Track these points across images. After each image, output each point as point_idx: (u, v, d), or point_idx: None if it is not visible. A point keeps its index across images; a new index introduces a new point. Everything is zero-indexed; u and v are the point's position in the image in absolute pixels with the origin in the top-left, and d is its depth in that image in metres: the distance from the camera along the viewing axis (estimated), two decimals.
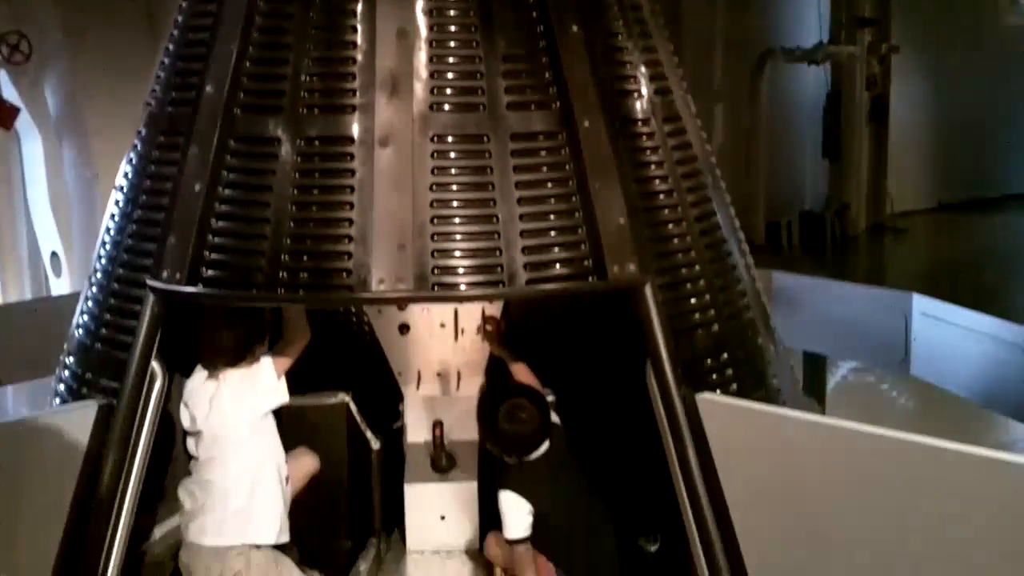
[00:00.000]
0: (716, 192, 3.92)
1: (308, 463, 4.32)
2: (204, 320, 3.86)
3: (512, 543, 4.00)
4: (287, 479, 3.99)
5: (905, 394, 8.85)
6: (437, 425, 4.69)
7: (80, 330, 3.85)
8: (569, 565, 4.05)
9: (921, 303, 6.00)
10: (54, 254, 8.25)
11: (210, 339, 3.86)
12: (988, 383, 5.65)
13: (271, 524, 3.88)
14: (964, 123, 13.67)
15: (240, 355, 3.85)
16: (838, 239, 11.59)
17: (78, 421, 3.36)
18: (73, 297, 4.32)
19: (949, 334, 5.81)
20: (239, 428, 3.84)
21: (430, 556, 4.60)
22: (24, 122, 8.14)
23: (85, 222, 8.13)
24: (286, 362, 3.90)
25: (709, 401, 3.30)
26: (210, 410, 3.84)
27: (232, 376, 3.85)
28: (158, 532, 4.53)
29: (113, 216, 3.85)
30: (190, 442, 3.95)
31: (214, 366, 3.87)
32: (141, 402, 3.46)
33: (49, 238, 8.21)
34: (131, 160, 3.84)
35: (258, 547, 3.85)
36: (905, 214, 12.45)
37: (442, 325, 4.65)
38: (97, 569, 3.38)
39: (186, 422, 3.91)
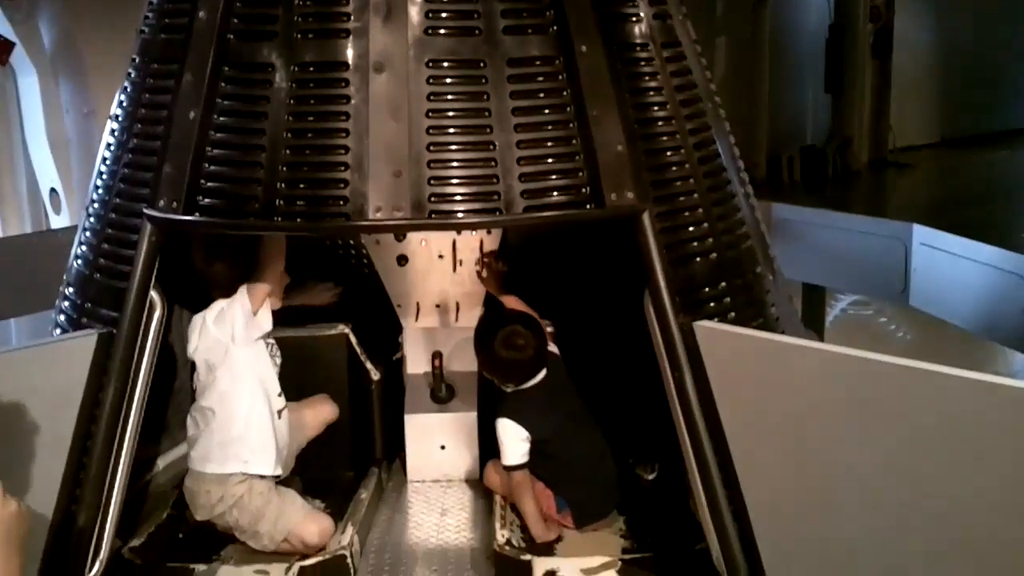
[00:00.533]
0: (716, 120, 3.88)
1: (327, 411, 4.42)
2: (196, 253, 3.92)
3: (509, 470, 4.04)
4: (280, 413, 4.04)
5: (904, 326, 8.86)
6: (436, 356, 4.71)
7: (79, 261, 3.85)
8: (567, 493, 4.09)
9: (921, 233, 5.99)
10: (53, 191, 8.21)
11: (202, 271, 3.94)
12: (989, 314, 5.65)
13: (267, 456, 3.94)
14: (969, 56, 13.50)
15: (231, 288, 3.91)
16: (840, 174, 11.49)
17: (79, 350, 3.36)
18: (73, 230, 4.31)
19: (949, 265, 5.81)
20: (224, 357, 3.91)
21: (430, 485, 4.65)
22: (19, 57, 8.06)
23: (83, 159, 8.08)
24: (263, 288, 3.93)
25: (707, 329, 3.29)
26: (199, 340, 3.93)
27: (216, 306, 3.93)
28: (161, 463, 4.58)
29: (109, 146, 3.83)
30: (195, 373, 4.03)
31: (210, 298, 3.94)
32: (141, 331, 3.47)
33: (48, 175, 8.17)
34: (125, 89, 3.80)
35: (261, 477, 3.90)
36: (907, 149, 12.34)
37: (440, 256, 4.64)
38: (101, 498, 3.41)
39: (188, 352, 4.01)
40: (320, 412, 4.41)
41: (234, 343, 3.90)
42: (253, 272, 3.94)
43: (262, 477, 3.92)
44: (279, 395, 4.06)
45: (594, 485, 4.13)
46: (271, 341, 4.13)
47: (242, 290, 3.91)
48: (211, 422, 3.91)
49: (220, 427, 3.90)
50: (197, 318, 4.00)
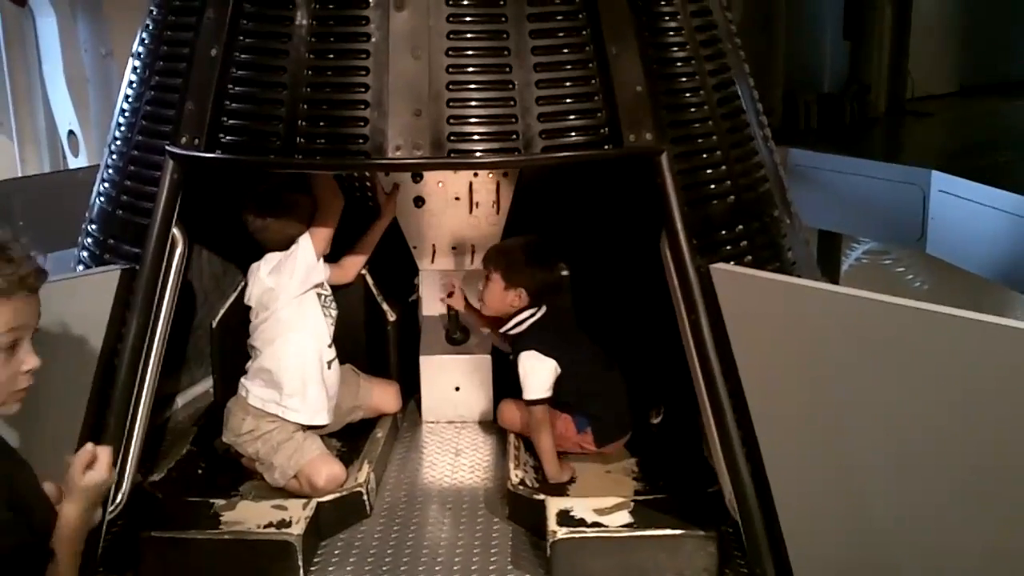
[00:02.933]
0: (735, 61, 3.85)
1: (390, 403, 4.53)
2: (248, 214, 4.05)
3: (531, 404, 4.05)
4: (330, 364, 4.13)
5: (922, 273, 8.79)
6: None
7: (101, 198, 3.87)
8: (589, 409, 4.13)
9: (940, 180, 5.93)
10: (71, 132, 8.21)
11: (257, 230, 4.08)
12: (1007, 261, 5.59)
13: (307, 405, 4.04)
14: (988, 2, 13.32)
15: (286, 244, 4.03)
16: (857, 121, 11.38)
17: (102, 285, 3.40)
18: (93, 169, 4.34)
19: (968, 212, 5.76)
20: (275, 306, 4.01)
21: (445, 426, 4.70)
22: None
23: (101, 100, 8.07)
24: (325, 232, 4.03)
25: (724, 271, 3.28)
26: (252, 288, 4.07)
27: (272, 258, 4.05)
28: (180, 400, 4.64)
29: (131, 83, 3.83)
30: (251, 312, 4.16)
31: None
32: (163, 267, 3.50)
33: (65, 115, 8.16)
34: (147, 26, 3.81)
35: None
36: (924, 98, 12.20)
37: (456, 198, 4.66)
38: (123, 430, 3.45)
39: (244, 299, 4.16)
40: (384, 401, 4.49)
41: (286, 293, 3.99)
42: (308, 225, 4.04)
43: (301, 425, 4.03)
44: (329, 346, 4.14)
45: (614, 400, 4.17)
46: (326, 293, 4.20)
47: (304, 238, 4.00)
48: (256, 359, 4.06)
49: (266, 369, 4.02)
50: (253, 267, 4.11)
